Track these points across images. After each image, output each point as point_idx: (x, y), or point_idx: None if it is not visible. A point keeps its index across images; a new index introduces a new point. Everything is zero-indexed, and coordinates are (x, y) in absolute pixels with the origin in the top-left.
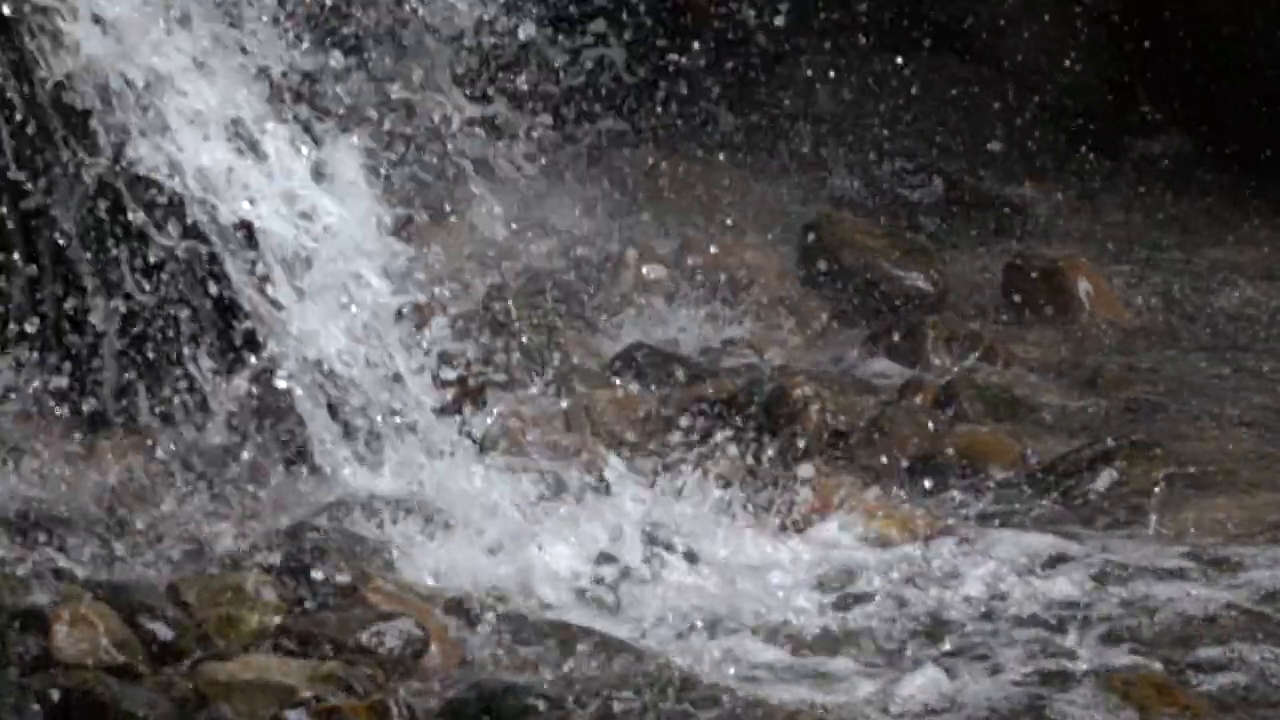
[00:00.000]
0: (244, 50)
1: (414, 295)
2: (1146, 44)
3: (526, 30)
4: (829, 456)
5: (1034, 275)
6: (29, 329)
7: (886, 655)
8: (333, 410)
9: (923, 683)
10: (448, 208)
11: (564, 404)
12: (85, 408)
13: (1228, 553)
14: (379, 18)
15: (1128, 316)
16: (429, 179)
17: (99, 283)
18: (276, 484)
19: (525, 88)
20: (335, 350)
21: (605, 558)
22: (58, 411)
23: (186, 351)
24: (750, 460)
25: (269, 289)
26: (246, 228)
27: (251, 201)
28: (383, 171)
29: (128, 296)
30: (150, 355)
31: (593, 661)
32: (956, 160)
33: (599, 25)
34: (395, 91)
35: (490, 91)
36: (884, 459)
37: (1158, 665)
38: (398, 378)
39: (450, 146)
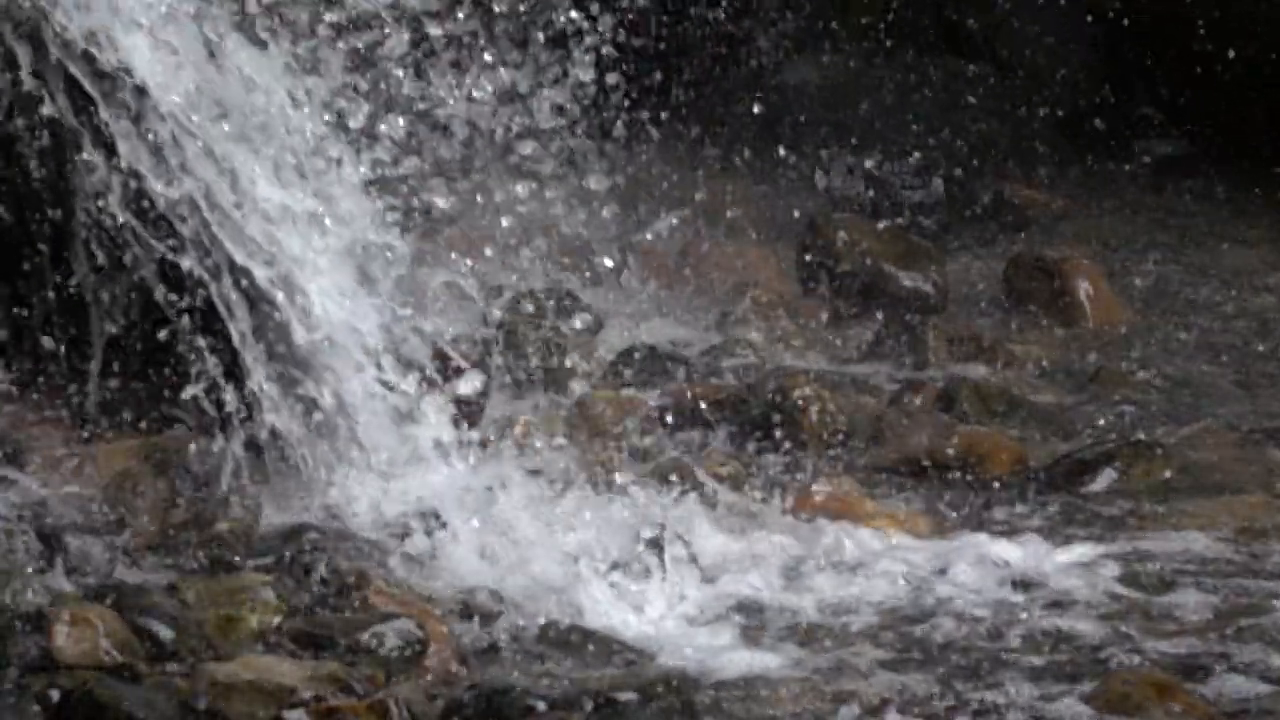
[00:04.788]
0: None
1: (416, 297)
2: (1146, 44)
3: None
4: (829, 457)
5: (1034, 275)
6: (31, 330)
7: (886, 654)
8: (334, 412)
9: (921, 680)
10: (448, 209)
11: (564, 405)
12: (86, 408)
13: (1228, 553)
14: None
15: (1128, 316)
16: (430, 180)
17: (101, 284)
18: (276, 484)
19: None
20: (336, 352)
21: (606, 558)
22: (58, 412)
23: (187, 352)
24: (750, 461)
25: (269, 292)
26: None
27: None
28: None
29: (129, 298)
30: (151, 356)
31: (593, 661)
32: (956, 160)
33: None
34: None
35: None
36: (884, 459)
37: (1158, 665)
38: (400, 379)
39: (451, 147)
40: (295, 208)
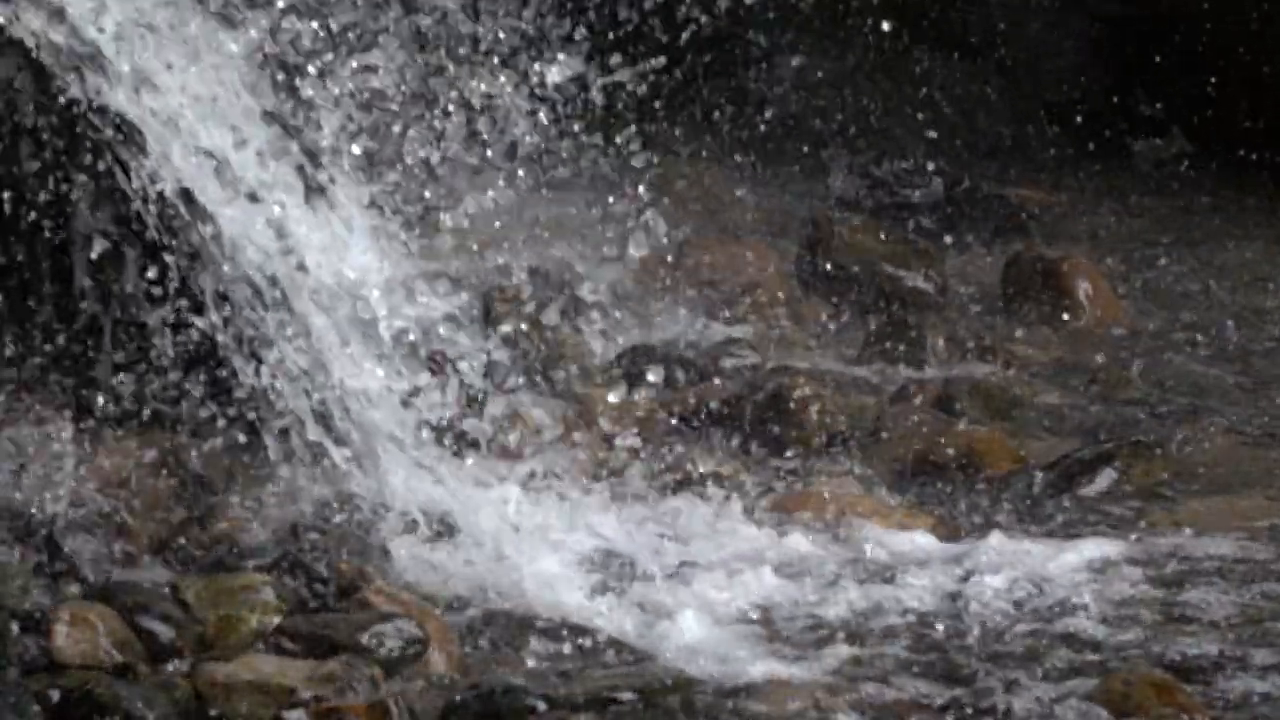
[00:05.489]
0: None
1: (416, 299)
2: (1146, 44)
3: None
4: (829, 457)
5: (1034, 275)
6: (31, 330)
7: (886, 653)
8: (333, 412)
9: (921, 679)
10: (447, 209)
11: (564, 405)
12: (86, 408)
13: (1228, 553)
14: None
15: (1128, 317)
16: (429, 179)
17: (101, 284)
18: (277, 484)
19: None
20: (336, 353)
21: (606, 558)
22: (58, 412)
23: (188, 353)
24: (750, 461)
25: (266, 293)
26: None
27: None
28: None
29: (130, 297)
30: (151, 356)
31: (593, 661)
32: (956, 160)
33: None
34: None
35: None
36: (884, 459)
37: (1157, 665)
38: (399, 380)
39: (450, 147)
40: (377, 387)
